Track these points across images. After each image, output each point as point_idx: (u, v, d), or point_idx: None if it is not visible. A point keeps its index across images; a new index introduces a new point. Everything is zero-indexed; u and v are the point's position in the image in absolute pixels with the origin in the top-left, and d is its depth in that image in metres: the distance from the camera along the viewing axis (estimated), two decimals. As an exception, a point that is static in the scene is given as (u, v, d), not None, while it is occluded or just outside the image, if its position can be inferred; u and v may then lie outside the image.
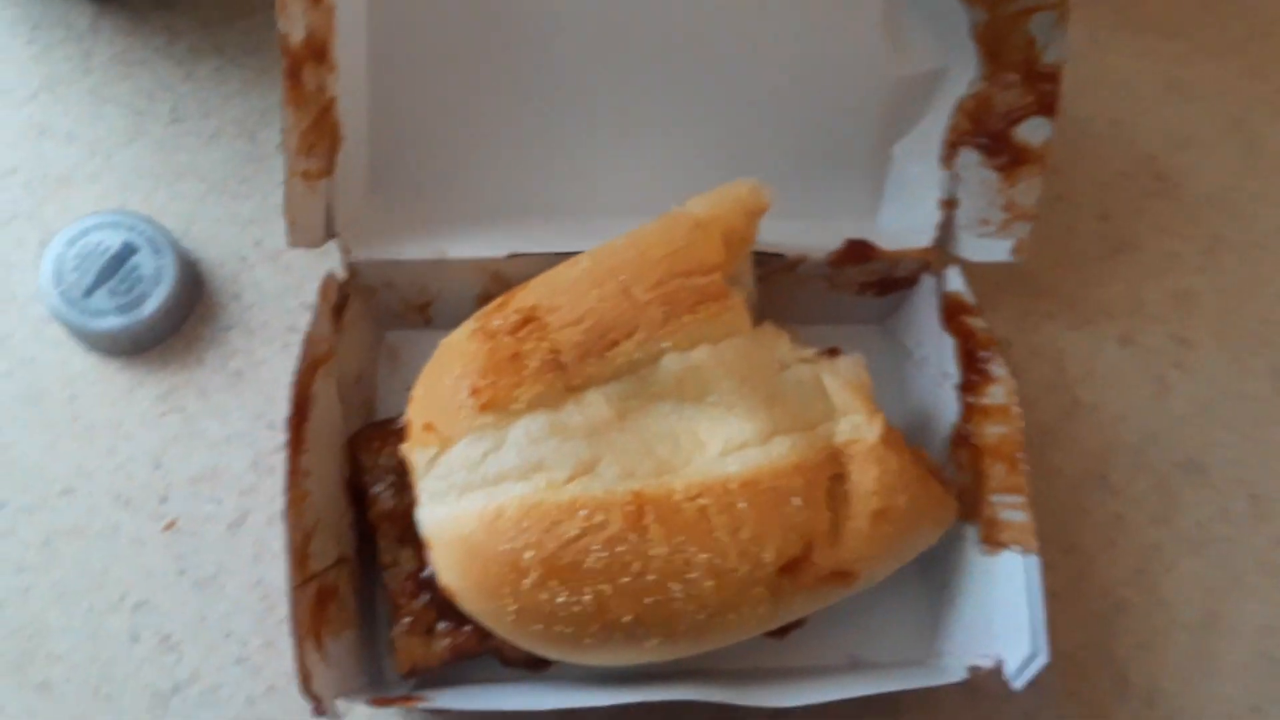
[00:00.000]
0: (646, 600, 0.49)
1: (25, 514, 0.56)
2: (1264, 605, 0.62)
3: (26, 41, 0.64)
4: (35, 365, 0.58)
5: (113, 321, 0.57)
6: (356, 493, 0.55)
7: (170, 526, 0.57)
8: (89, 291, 0.57)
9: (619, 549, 0.49)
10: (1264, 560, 0.63)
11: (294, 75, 0.52)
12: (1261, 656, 0.61)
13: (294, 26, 0.51)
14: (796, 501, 0.51)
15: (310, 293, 0.61)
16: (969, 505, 0.57)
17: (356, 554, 0.55)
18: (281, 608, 0.56)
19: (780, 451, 0.52)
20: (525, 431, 0.51)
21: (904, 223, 0.63)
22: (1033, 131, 0.59)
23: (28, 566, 0.56)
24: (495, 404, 0.51)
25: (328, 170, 0.55)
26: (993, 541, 0.55)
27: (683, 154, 0.62)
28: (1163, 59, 0.74)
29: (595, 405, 0.52)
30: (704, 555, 0.49)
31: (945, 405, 0.60)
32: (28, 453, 0.57)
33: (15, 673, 0.54)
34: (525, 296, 0.54)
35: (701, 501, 0.50)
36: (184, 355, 0.60)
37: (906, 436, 0.61)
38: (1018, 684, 0.51)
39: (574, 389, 0.52)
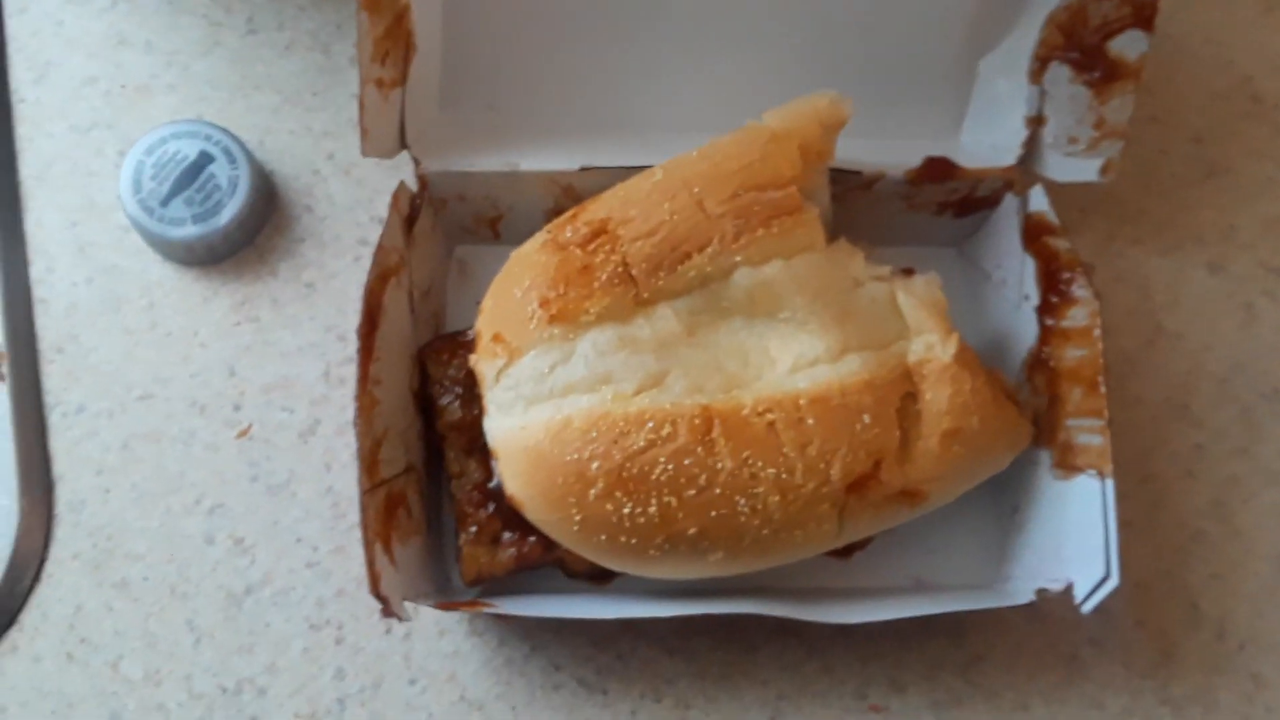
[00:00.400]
0: (712, 514, 0.49)
1: (105, 418, 0.58)
2: (1345, 539, 0.60)
3: (106, -50, 0.64)
4: (115, 273, 0.59)
5: (189, 230, 0.57)
6: (425, 403, 0.56)
7: (244, 434, 0.58)
8: (166, 200, 0.57)
9: (685, 461, 0.49)
10: (1348, 494, 0.61)
11: (368, -21, 0.51)
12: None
13: (368, -69, 0.51)
14: (866, 419, 0.50)
15: (381, 207, 0.61)
16: (1044, 430, 0.56)
17: (424, 464, 0.56)
18: (350, 515, 0.57)
19: (851, 369, 0.51)
20: (593, 344, 0.51)
21: (988, 141, 0.61)
22: (1128, 45, 0.57)
23: (107, 468, 0.57)
24: (564, 316, 0.51)
25: (401, 80, 0.55)
26: (1067, 466, 0.54)
27: (759, 69, 0.61)
28: (1265, -27, 0.70)
29: (665, 319, 0.52)
30: (770, 470, 0.49)
31: (1024, 328, 0.58)
32: (108, 358, 0.58)
33: (95, 571, 0.56)
34: (597, 208, 0.53)
35: (770, 416, 0.50)
36: (257, 266, 0.60)
37: (982, 359, 0.60)
38: (1087, 607, 0.51)
39: (644, 302, 0.52)
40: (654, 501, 0.49)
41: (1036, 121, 0.59)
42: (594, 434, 0.49)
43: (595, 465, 0.49)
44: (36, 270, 0.59)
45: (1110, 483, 0.52)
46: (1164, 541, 0.59)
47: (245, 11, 0.64)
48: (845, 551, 0.57)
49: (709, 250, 0.52)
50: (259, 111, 0.62)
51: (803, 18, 0.60)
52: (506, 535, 0.53)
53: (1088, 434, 0.54)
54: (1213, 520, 0.60)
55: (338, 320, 0.60)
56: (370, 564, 0.48)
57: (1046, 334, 0.57)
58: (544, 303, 0.51)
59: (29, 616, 0.55)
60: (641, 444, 0.49)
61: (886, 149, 0.61)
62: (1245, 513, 0.60)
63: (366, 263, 0.52)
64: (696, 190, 0.52)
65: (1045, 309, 0.57)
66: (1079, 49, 0.58)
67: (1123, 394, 0.62)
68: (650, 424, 0.49)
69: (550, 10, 0.59)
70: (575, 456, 0.49)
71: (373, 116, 0.53)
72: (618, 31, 0.59)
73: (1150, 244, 0.65)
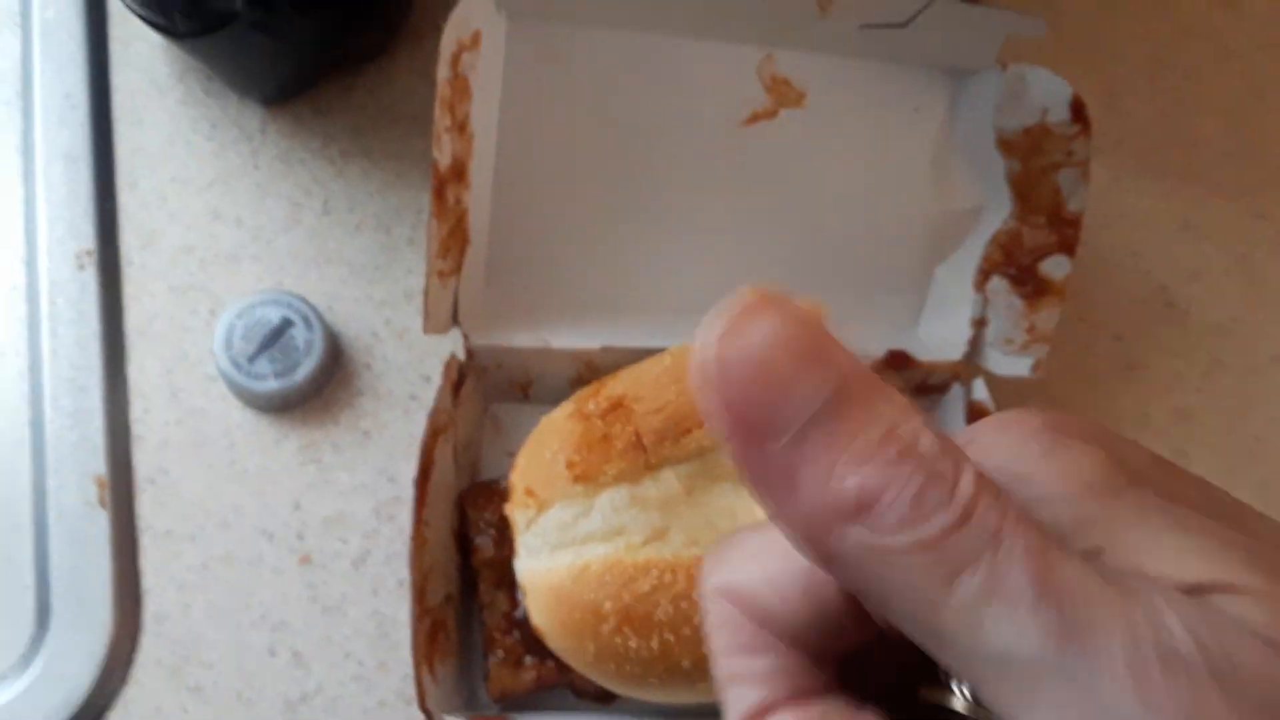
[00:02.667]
0: (703, 650, 0.59)
1: (188, 541, 0.67)
2: None
3: (206, 138, 0.76)
4: (201, 415, 0.70)
5: (271, 385, 0.68)
6: (463, 541, 0.66)
7: (305, 560, 0.68)
8: (253, 358, 0.68)
9: (683, 604, 0.59)
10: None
11: (440, 193, 0.63)
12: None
13: (444, 155, 0.62)
14: (833, 574, 0.61)
15: (428, 367, 0.72)
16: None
17: (460, 594, 0.66)
18: (393, 634, 0.66)
19: (822, 531, 0.62)
20: (610, 501, 0.61)
21: (941, 335, 0.73)
22: (1055, 267, 0.69)
23: (188, 586, 0.66)
24: (586, 477, 0.61)
25: (457, 270, 0.66)
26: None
27: (755, 266, 0.73)
28: (1179, 200, 0.83)
29: (668, 482, 0.62)
30: (753, 615, 0.59)
31: (966, 498, 0.69)
32: (192, 490, 0.68)
33: (173, 676, 0.65)
34: (615, 386, 0.64)
35: (754, 569, 0.60)
36: (322, 415, 0.71)
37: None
38: None
39: (652, 467, 0.62)
40: (656, 638, 0.59)
41: (980, 323, 0.71)
42: (608, 578, 0.59)
43: (608, 605, 0.59)
44: (135, 411, 0.69)
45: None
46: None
47: (322, 195, 0.75)
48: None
49: (705, 428, 0.63)
50: (330, 281, 0.74)
51: (792, 226, 0.72)
52: (528, 659, 0.63)
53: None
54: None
55: (388, 464, 0.70)
56: (418, 682, 0.58)
57: (984, 505, 0.67)
58: (570, 465, 0.61)
59: (114, 714, 0.64)
60: (647, 589, 0.59)
61: (859, 337, 0.72)
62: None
63: (415, 415, 0.62)
64: (699, 377, 0.63)
65: (984, 484, 0.68)
66: (1015, 266, 0.70)
67: (1050, 554, 0.73)
68: (655, 572, 0.59)
69: (580, 212, 0.70)
70: (592, 597, 0.59)
71: (434, 302, 0.64)
72: (636, 230, 0.71)
73: (1076, 427, 0.76)
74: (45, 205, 0.73)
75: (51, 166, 0.74)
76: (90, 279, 0.71)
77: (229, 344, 0.68)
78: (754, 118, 0.69)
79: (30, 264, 0.72)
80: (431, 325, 0.65)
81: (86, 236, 0.72)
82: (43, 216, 0.73)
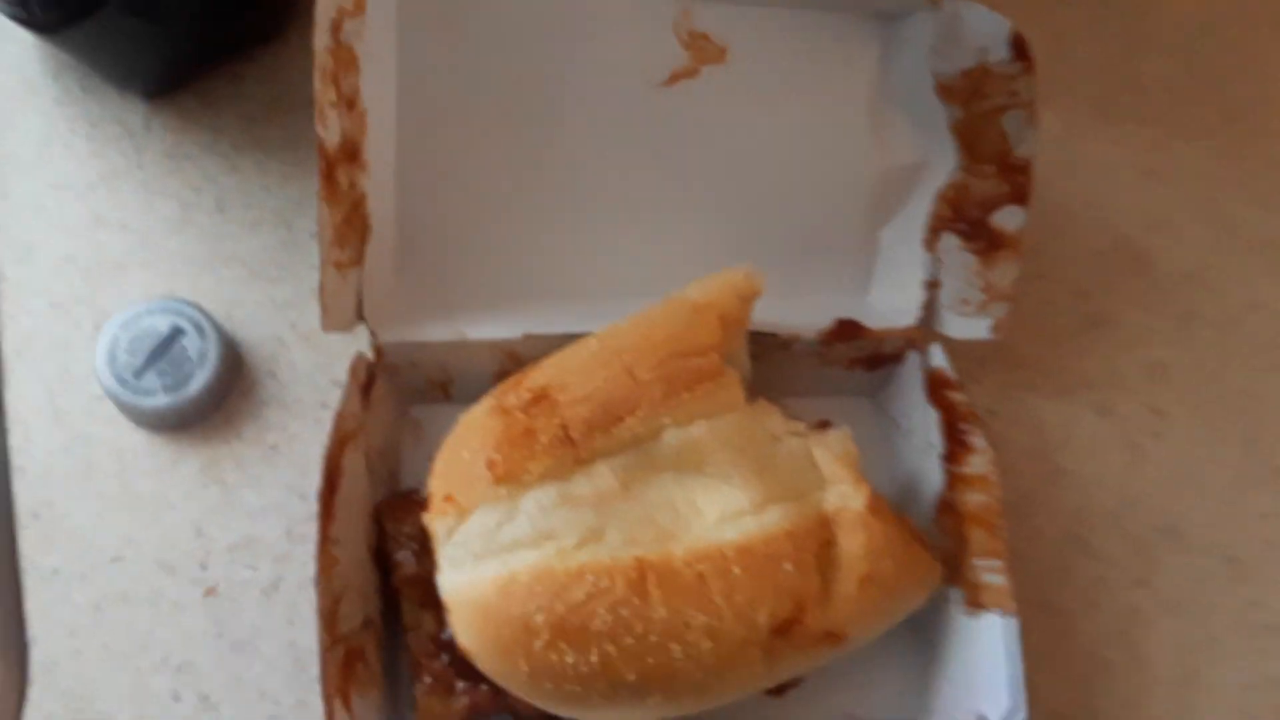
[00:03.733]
0: (649, 660, 0.53)
1: (78, 580, 0.61)
2: (1243, 663, 0.65)
3: (85, 138, 0.70)
4: (88, 440, 0.63)
5: (160, 400, 0.62)
6: (381, 559, 0.60)
7: (210, 592, 0.61)
8: (139, 372, 0.62)
9: (623, 612, 0.53)
10: (1242, 620, 0.66)
11: (329, 176, 0.57)
12: (1241, 713, 0.64)
13: (330, 131, 0.57)
14: (788, 566, 0.55)
15: (339, 371, 0.66)
16: (952, 569, 0.61)
17: (381, 617, 0.60)
18: (312, 668, 0.60)
19: (773, 519, 0.56)
20: (536, 502, 0.55)
21: (892, 302, 0.68)
22: (1008, 218, 0.64)
23: (79, 630, 0.60)
24: (509, 477, 0.55)
25: (358, 260, 0.60)
26: (975, 604, 0.59)
27: (685, 240, 0.67)
28: (1138, 145, 0.78)
29: (602, 476, 0.57)
30: (702, 618, 0.54)
31: (931, 474, 0.64)
32: (81, 523, 0.62)
33: (67, 729, 0.59)
34: (537, 376, 0.58)
35: (699, 567, 0.54)
36: (224, 430, 0.64)
37: (896, 504, 0.65)
38: (995, 738, 0.55)
39: (582, 462, 0.57)
40: (594, 650, 0.53)
41: (933, 285, 0.66)
42: (538, 589, 0.53)
43: (540, 617, 0.53)
44: (15, 439, 0.63)
45: (1014, 620, 0.57)
46: (1072, 671, 0.64)
47: (214, 192, 0.69)
48: (779, 690, 0.61)
49: (639, 413, 0.57)
50: (227, 284, 0.68)
51: (725, 195, 0.67)
52: (460, 684, 0.57)
53: (990, 573, 0.59)
54: (1118, 649, 0.65)
55: (299, 480, 0.64)
56: (329, 718, 0.52)
57: (951, 480, 0.62)
58: (490, 464, 0.56)
59: (1, 777, 0.58)
60: (582, 597, 0.53)
61: (803, 308, 0.67)
62: (1148, 641, 0.65)
63: (326, 424, 0.56)
64: (627, 359, 0.57)
65: (949, 457, 0.62)
66: (965, 221, 0.65)
67: (1026, 528, 0.68)
68: (590, 578, 0.53)
69: (495, 191, 0.65)
70: (521, 610, 0.53)
71: (332, 296, 0.59)
72: (556, 208, 0.66)
73: (1043, 390, 0.71)
74: (-93, 222, 0.67)
75: (-88, 179, 0.68)
76: (-42, 298, 0.65)
77: (113, 359, 0.62)
78: (674, 77, 0.64)
79: (-106, 287, 0.66)
80: (330, 321, 0.59)
81: (-48, 253, 0.66)
82: (-95, 234, 0.67)
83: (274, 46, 0.72)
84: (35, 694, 0.59)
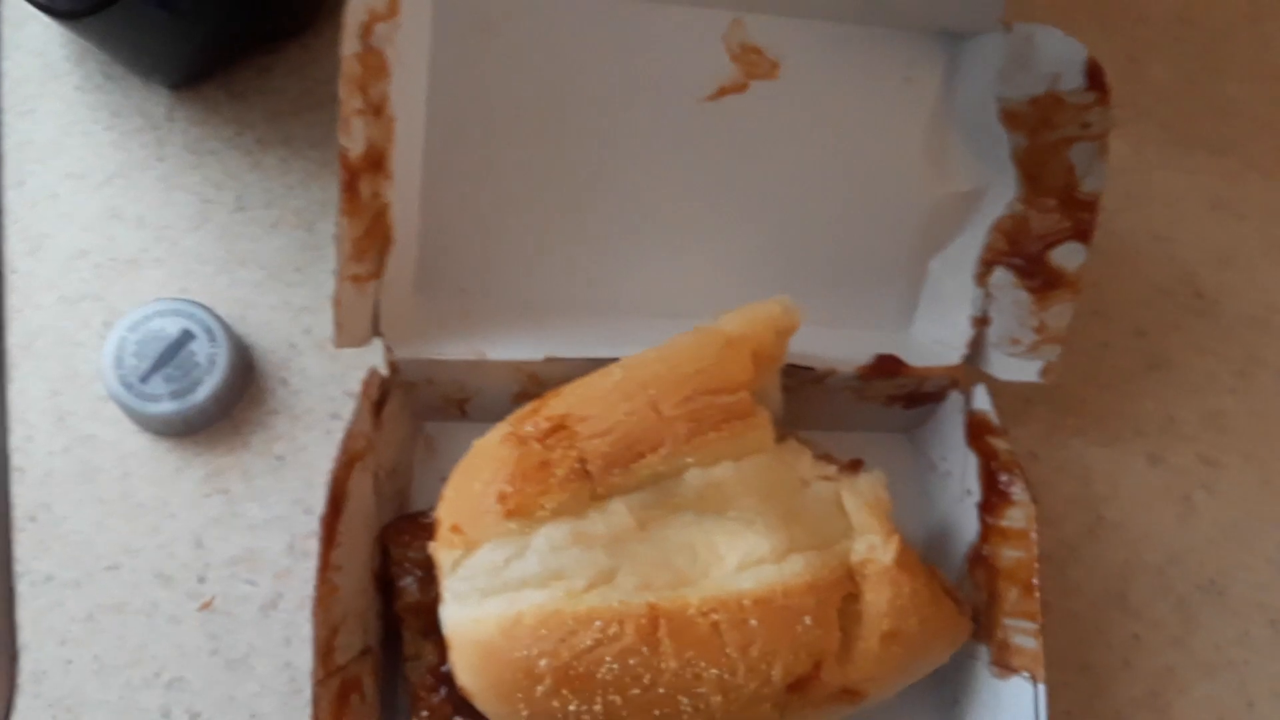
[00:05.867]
0: (655, 712, 0.51)
1: (72, 588, 0.59)
2: (1281, 735, 0.62)
3: (105, 128, 0.67)
4: (91, 443, 0.61)
5: (166, 406, 0.59)
6: (385, 584, 0.57)
7: (206, 606, 0.59)
8: (145, 376, 0.60)
9: (631, 661, 0.50)
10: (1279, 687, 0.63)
11: (351, 187, 0.54)
12: (1279, 788, 0.61)
13: (355, 140, 0.54)
14: (808, 620, 0.52)
15: (353, 381, 0.63)
16: (983, 626, 0.58)
17: (381, 644, 0.57)
18: (307, 690, 0.58)
19: (795, 569, 0.53)
20: (548, 539, 0.53)
21: (936, 335, 0.64)
22: (1068, 256, 0.60)
23: (70, 639, 0.58)
24: (520, 511, 0.53)
25: (377, 273, 0.58)
26: (1003, 665, 0.56)
27: (722, 263, 0.64)
28: (1210, 175, 0.74)
29: (618, 514, 0.54)
30: (714, 671, 0.51)
31: (966, 521, 0.60)
32: (78, 528, 0.60)
33: (53, 742, 0.57)
34: (557, 404, 0.55)
35: (715, 617, 0.51)
36: (231, 438, 0.62)
37: (927, 548, 0.62)
38: (1019, 816, 0.52)
39: (598, 498, 0.54)
40: (599, 700, 0.50)
41: (982, 322, 0.62)
42: (544, 631, 0.51)
43: (543, 663, 0.50)
44: (15, 438, 0.61)
45: (1042, 688, 0.54)
46: (1102, 734, 0.61)
47: (235, 189, 0.67)
48: (791, 740, 0.58)
49: (662, 451, 0.54)
50: (242, 286, 0.65)
51: (765, 214, 0.63)
52: (457, 720, 0.54)
53: (1022, 635, 0.55)
54: (1148, 711, 0.62)
55: (305, 494, 0.62)
56: (319, 756, 0.50)
57: (986, 531, 0.59)
58: (501, 497, 0.53)
59: (-16, 789, 0.56)
60: (589, 643, 0.50)
61: (842, 338, 0.64)
62: (1180, 704, 0.62)
63: (337, 436, 0.54)
64: (652, 392, 0.55)
65: (986, 507, 0.59)
66: (1022, 256, 0.61)
67: (1063, 582, 0.64)
68: (598, 623, 0.51)
69: (523, 205, 0.62)
70: (525, 653, 0.50)
71: (347, 311, 0.56)
72: (586, 225, 0.63)
73: (1092, 434, 0.67)
74: (-81, 206, 0.65)
75: (-73, 162, 0.66)
76: (-34, 289, 0.63)
77: (119, 361, 0.60)
78: (721, 92, 0.60)
79: (-96, 272, 0.64)
80: (344, 337, 0.56)
81: (-36, 241, 0.64)
82: (-84, 219, 0.65)
83: (304, 39, 0.70)
84: (22, 703, 0.57)
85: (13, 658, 0.58)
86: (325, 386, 0.64)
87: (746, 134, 0.61)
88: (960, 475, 0.61)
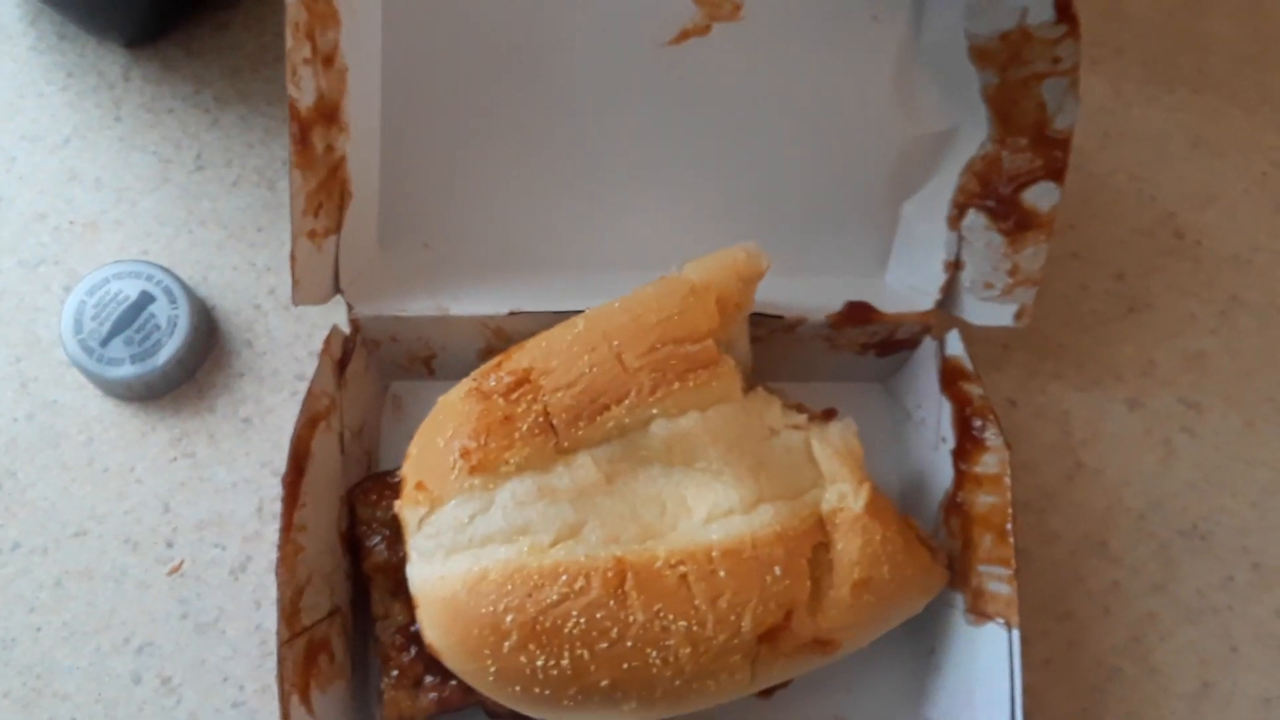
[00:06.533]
0: (624, 666, 0.50)
1: (39, 555, 0.59)
2: (1262, 677, 0.61)
3: (60, 88, 0.66)
4: (55, 409, 0.61)
5: (127, 370, 0.59)
6: (352, 544, 0.57)
7: (175, 570, 0.59)
8: (106, 340, 0.59)
9: (598, 615, 0.50)
10: (1264, 631, 0.62)
11: (303, 139, 0.53)
12: (1261, 729, 0.60)
13: (304, 91, 0.53)
14: (778, 571, 0.51)
15: (320, 342, 0.62)
16: (958, 573, 0.57)
17: (350, 604, 0.57)
18: (279, 652, 0.58)
19: (764, 520, 0.52)
20: (512, 494, 0.52)
21: (910, 281, 0.63)
22: (1041, 196, 0.59)
23: (39, 606, 0.58)
24: (484, 467, 0.52)
25: (335, 228, 0.57)
26: (978, 612, 0.55)
27: (688, 211, 0.63)
28: (1191, 113, 0.73)
29: (584, 468, 0.53)
30: (682, 623, 0.50)
31: (941, 469, 0.60)
32: (44, 494, 0.59)
33: (22, 710, 0.57)
34: (520, 358, 0.55)
35: (682, 569, 0.51)
36: (196, 401, 0.62)
37: (903, 499, 0.61)
38: (994, 759, 0.52)
39: (564, 451, 0.53)
40: (566, 654, 0.50)
41: (955, 266, 0.61)
42: (509, 587, 0.50)
43: (510, 618, 0.50)
44: (-23, 406, 0.61)
45: (1016, 634, 0.53)
46: (1081, 680, 0.60)
47: (194, 148, 0.66)
48: (767, 692, 0.58)
49: (627, 402, 0.53)
50: (203, 247, 0.64)
51: (732, 160, 0.62)
52: (428, 679, 0.54)
53: (997, 582, 0.55)
54: (1129, 658, 0.61)
55: (273, 456, 0.61)
56: (284, 717, 0.49)
57: (960, 478, 0.58)
58: (465, 453, 0.52)
59: (-45, 757, 0.56)
60: (555, 598, 0.50)
61: (814, 287, 0.62)
62: (1162, 650, 0.61)
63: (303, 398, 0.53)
64: (616, 343, 0.54)
65: (960, 453, 0.58)
66: (994, 197, 0.60)
67: (1041, 530, 0.63)
68: (564, 577, 0.50)
69: (484, 157, 0.61)
70: (490, 609, 0.50)
71: (304, 267, 0.55)
72: (549, 176, 0.61)
73: (1070, 379, 0.66)
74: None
75: (-120, 128, 0.65)
76: (-77, 256, 0.62)
77: (79, 326, 0.59)
78: (682, 35, 0.59)
79: None
80: (302, 294, 0.55)
81: (-81, 207, 0.63)
82: (-128, 186, 0.64)
83: (261, -8, 0.69)
84: (-7, 673, 0.57)
85: (-20, 626, 0.57)
86: (291, 348, 0.63)
87: (710, 78, 0.60)
88: (935, 423, 0.61)
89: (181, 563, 0.59)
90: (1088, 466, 0.64)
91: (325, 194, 0.55)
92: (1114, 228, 0.70)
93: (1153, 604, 0.62)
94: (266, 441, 0.61)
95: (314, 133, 0.54)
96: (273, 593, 0.58)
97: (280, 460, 0.61)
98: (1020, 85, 0.57)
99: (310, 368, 0.63)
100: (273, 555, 0.59)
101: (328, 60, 0.54)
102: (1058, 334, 0.67)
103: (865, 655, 0.56)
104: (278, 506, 0.60)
